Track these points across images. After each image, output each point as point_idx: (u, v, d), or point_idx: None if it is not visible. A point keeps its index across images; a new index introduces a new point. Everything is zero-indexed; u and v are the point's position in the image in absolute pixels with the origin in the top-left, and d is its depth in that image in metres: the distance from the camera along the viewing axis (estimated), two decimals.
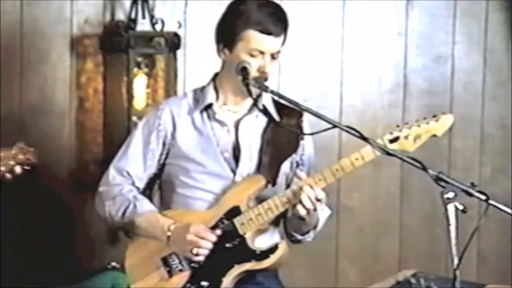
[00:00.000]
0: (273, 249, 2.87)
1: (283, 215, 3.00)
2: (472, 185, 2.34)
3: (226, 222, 2.87)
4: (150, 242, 2.92)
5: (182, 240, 2.84)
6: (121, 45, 3.65)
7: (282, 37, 2.91)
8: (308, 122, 3.02)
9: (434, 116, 2.82)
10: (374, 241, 4.16)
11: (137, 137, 3.02)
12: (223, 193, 2.91)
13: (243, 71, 2.83)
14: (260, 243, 2.89)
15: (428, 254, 4.15)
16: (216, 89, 2.99)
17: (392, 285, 2.63)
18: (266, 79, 2.84)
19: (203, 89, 3.02)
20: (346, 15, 4.06)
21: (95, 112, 3.80)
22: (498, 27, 4.22)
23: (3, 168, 2.70)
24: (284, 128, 2.95)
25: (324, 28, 4.05)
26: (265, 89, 2.78)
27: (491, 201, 2.31)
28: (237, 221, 2.86)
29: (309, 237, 3.02)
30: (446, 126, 2.82)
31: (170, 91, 3.72)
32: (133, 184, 3.01)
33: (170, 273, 2.90)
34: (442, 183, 2.32)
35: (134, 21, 3.71)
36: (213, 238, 2.83)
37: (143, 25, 3.72)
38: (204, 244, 2.83)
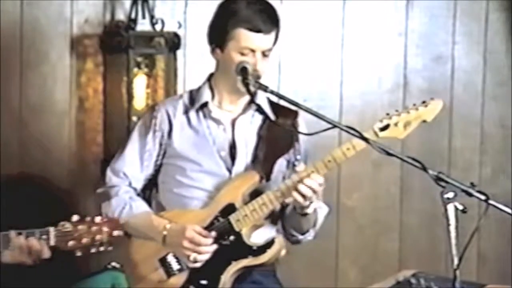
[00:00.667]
0: (269, 244, 2.88)
1: (281, 214, 3.00)
2: (472, 185, 2.34)
3: (221, 219, 2.88)
4: (148, 243, 2.92)
5: (178, 242, 2.84)
6: (121, 45, 3.65)
7: (272, 35, 2.91)
8: (304, 121, 3.02)
9: (423, 102, 2.82)
10: (374, 241, 4.16)
11: (134, 138, 3.03)
12: (217, 191, 2.92)
13: (243, 71, 2.83)
14: (257, 238, 2.90)
15: (428, 254, 4.15)
16: (211, 89, 3.00)
17: (392, 285, 2.63)
18: (259, 77, 2.84)
19: (198, 89, 3.03)
20: (346, 15, 4.06)
21: (95, 112, 3.80)
22: (498, 27, 4.22)
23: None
24: (279, 126, 2.95)
25: (324, 28, 4.05)
26: (265, 89, 2.78)
27: (491, 201, 2.31)
28: (232, 218, 2.87)
29: (310, 235, 3.03)
30: (435, 111, 2.81)
31: (170, 91, 3.72)
32: (130, 185, 3.01)
33: (169, 274, 2.90)
34: (442, 183, 2.32)
35: (134, 21, 3.71)
36: (209, 241, 2.84)
37: (143, 25, 3.72)
38: (203, 250, 2.83)
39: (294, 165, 3.01)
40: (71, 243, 2.55)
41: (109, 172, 3.04)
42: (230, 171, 2.95)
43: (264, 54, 2.90)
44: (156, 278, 2.91)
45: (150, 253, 2.92)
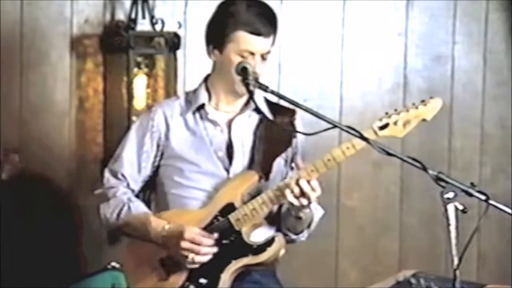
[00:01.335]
0: (269, 242, 2.89)
1: (278, 214, 3.00)
2: (472, 185, 2.34)
3: (221, 219, 2.88)
4: (147, 243, 2.92)
5: (177, 243, 2.84)
6: (121, 45, 3.65)
7: (271, 38, 2.92)
8: (301, 120, 3.02)
9: (423, 101, 2.82)
10: (374, 241, 4.15)
11: (131, 139, 3.03)
12: (216, 191, 2.92)
13: (243, 71, 2.83)
14: (256, 237, 2.91)
15: (428, 254, 4.15)
16: (208, 90, 3.00)
17: (392, 285, 2.63)
18: (257, 80, 2.84)
19: (195, 91, 3.04)
20: (346, 15, 4.06)
21: (95, 112, 3.80)
22: (498, 27, 4.22)
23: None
24: (277, 126, 2.96)
25: (324, 28, 4.05)
26: (265, 89, 2.78)
27: (491, 201, 2.31)
28: (232, 217, 2.87)
29: (303, 236, 3.03)
30: (435, 110, 2.82)
31: (170, 91, 3.72)
32: (128, 186, 3.02)
33: (168, 273, 2.90)
34: (442, 183, 2.32)
35: (134, 21, 3.71)
36: (210, 242, 2.84)
37: (143, 25, 3.72)
38: (204, 250, 2.83)
39: (290, 162, 3.01)
40: None
41: (107, 173, 3.04)
42: (228, 171, 2.96)
43: (263, 57, 2.90)
44: (156, 278, 2.91)
45: (150, 253, 2.92)
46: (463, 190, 2.32)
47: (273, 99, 3.02)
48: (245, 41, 2.87)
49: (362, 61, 4.10)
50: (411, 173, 4.02)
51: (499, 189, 4.14)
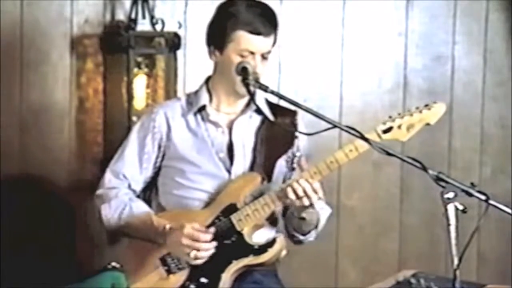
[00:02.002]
0: (270, 243, 2.89)
1: (283, 215, 3.01)
2: (472, 185, 2.34)
3: (223, 219, 2.88)
4: (148, 242, 2.93)
5: (178, 241, 2.84)
6: (121, 45, 3.65)
7: (272, 37, 2.92)
8: (303, 121, 3.03)
9: (426, 105, 2.83)
10: (374, 241, 4.15)
11: (133, 140, 3.04)
12: (218, 192, 2.92)
13: (243, 71, 2.83)
14: (258, 238, 2.91)
15: (428, 254, 4.15)
16: (209, 92, 3.00)
17: (392, 285, 2.63)
18: (258, 79, 2.84)
19: (196, 92, 3.04)
20: (346, 15, 4.06)
21: (95, 112, 3.80)
22: (498, 27, 4.21)
23: None
24: (279, 126, 2.96)
25: (324, 28, 4.05)
26: (265, 89, 2.78)
27: (491, 201, 2.31)
28: (234, 217, 2.88)
29: (311, 236, 3.03)
30: (438, 114, 2.83)
31: (170, 91, 3.72)
32: (129, 187, 3.02)
33: (169, 272, 2.90)
34: (442, 183, 2.32)
35: (134, 21, 3.71)
36: (208, 237, 2.84)
37: (143, 25, 3.72)
38: (204, 246, 2.83)
39: (293, 162, 3.01)
40: None
41: (108, 174, 3.04)
42: (229, 172, 2.96)
43: (264, 57, 2.91)
44: (156, 277, 2.91)
45: (150, 252, 2.92)
46: (463, 190, 2.32)
47: (274, 100, 3.03)
48: (245, 40, 2.87)
49: (362, 61, 4.10)
50: (411, 173, 4.02)
51: (499, 189, 4.14)
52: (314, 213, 2.92)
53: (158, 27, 3.71)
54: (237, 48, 2.88)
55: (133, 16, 3.72)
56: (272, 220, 2.99)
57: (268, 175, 2.93)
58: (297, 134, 3.00)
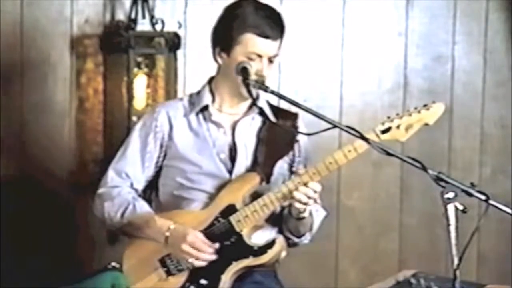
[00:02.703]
0: (270, 244, 2.89)
1: (280, 217, 3.01)
2: (472, 185, 2.34)
3: (222, 220, 2.88)
4: (148, 243, 2.93)
5: (178, 245, 2.84)
6: (121, 45, 3.65)
7: (278, 41, 2.93)
8: (304, 124, 3.03)
9: (425, 105, 2.83)
10: (374, 241, 4.16)
11: (135, 139, 3.03)
12: (217, 193, 2.92)
13: (244, 71, 2.83)
14: (257, 239, 2.91)
15: (428, 254, 4.15)
16: (212, 92, 3.00)
17: (392, 285, 2.63)
18: (263, 82, 2.84)
19: (198, 93, 3.04)
20: (346, 15, 4.06)
21: (95, 112, 3.80)
22: (498, 27, 4.21)
23: None
24: (280, 128, 2.96)
25: (324, 28, 4.05)
26: (266, 89, 2.78)
27: (491, 201, 2.31)
28: (233, 218, 2.87)
29: (306, 239, 3.03)
30: (437, 114, 2.83)
31: (170, 91, 3.72)
32: (131, 185, 3.02)
33: (169, 274, 2.90)
34: (442, 183, 2.32)
35: (134, 21, 3.71)
36: (209, 250, 2.84)
37: (143, 25, 3.72)
38: (202, 257, 2.83)
39: (292, 166, 3.01)
40: None
41: (111, 172, 3.04)
42: (230, 173, 2.96)
43: (270, 60, 2.91)
44: (156, 278, 2.91)
45: (150, 253, 2.92)
46: (463, 190, 2.32)
47: (275, 102, 3.03)
48: (253, 43, 2.87)
49: (362, 61, 4.10)
50: (411, 173, 4.02)
51: (499, 189, 4.14)
52: (309, 216, 2.93)
53: (158, 27, 3.71)
54: (245, 50, 2.88)
55: (133, 16, 3.72)
56: (272, 220, 2.98)
57: (267, 176, 2.93)
58: (298, 138, 3.00)
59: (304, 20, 4.00)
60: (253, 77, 2.82)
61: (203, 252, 2.83)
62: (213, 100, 3.00)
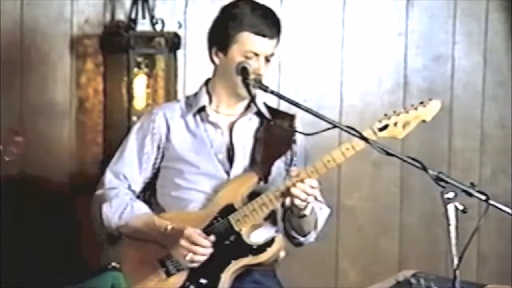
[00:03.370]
0: (269, 242, 2.89)
1: (282, 218, 3.01)
2: (472, 185, 2.34)
3: (221, 220, 2.88)
4: (147, 244, 2.93)
5: (177, 242, 2.84)
6: (121, 45, 3.65)
7: (275, 40, 2.94)
8: (303, 124, 3.03)
9: (422, 102, 2.83)
10: (374, 241, 4.15)
11: (132, 141, 3.04)
12: (216, 193, 2.93)
13: (243, 71, 2.84)
14: (256, 238, 2.91)
15: (428, 254, 4.15)
16: (209, 93, 3.01)
17: (392, 285, 2.63)
18: (260, 81, 2.85)
19: (195, 94, 3.05)
20: (346, 15, 4.06)
21: (95, 112, 3.80)
22: (498, 27, 4.22)
23: None
24: (277, 128, 2.96)
25: (324, 28, 4.05)
26: (265, 89, 2.79)
27: (491, 201, 2.31)
28: (232, 218, 2.88)
29: (311, 237, 3.04)
30: (434, 111, 2.83)
31: (170, 91, 3.72)
32: (129, 187, 3.03)
33: (168, 274, 2.90)
34: (442, 183, 2.32)
35: (134, 21, 3.71)
36: (206, 243, 2.84)
37: (143, 25, 3.72)
38: (200, 251, 2.83)
39: (289, 166, 3.02)
40: None
41: (108, 174, 3.04)
42: (228, 173, 2.96)
43: (267, 59, 2.91)
44: (155, 278, 2.91)
45: (149, 253, 2.92)
46: (463, 190, 2.32)
47: (273, 102, 3.03)
48: (250, 42, 2.89)
49: (362, 61, 4.10)
50: (411, 173, 4.02)
51: (499, 189, 4.15)
52: (313, 213, 2.93)
53: (158, 27, 3.71)
54: (242, 49, 2.89)
55: (133, 16, 3.72)
56: (271, 219, 2.99)
57: (265, 175, 2.93)
58: (295, 138, 3.01)
59: (304, 20, 4.00)
60: (251, 76, 2.83)
61: (200, 245, 2.83)
62: (210, 101, 3.01)
